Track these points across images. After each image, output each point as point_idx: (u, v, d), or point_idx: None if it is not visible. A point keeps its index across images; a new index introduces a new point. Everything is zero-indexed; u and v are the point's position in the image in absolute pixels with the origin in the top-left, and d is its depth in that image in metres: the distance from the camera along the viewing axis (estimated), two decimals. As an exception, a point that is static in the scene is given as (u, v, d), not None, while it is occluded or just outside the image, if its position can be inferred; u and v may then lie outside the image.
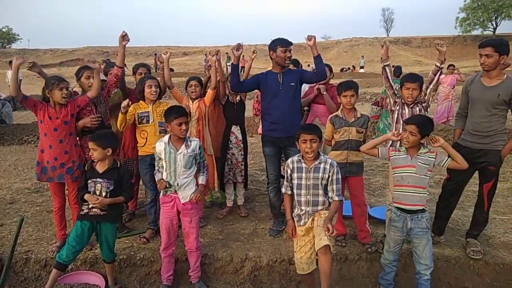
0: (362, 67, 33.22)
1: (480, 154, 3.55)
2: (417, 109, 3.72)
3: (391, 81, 3.93)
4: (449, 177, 3.80)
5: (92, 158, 3.33)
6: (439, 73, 3.81)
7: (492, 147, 3.51)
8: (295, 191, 3.17)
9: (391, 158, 3.32)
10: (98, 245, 3.51)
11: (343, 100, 3.76)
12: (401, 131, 3.65)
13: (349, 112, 3.78)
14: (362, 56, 37.69)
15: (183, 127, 3.27)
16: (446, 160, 3.20)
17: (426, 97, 3.79)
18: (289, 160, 3.24)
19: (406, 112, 3.73)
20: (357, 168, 3.82)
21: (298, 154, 3.22)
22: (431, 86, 3.80)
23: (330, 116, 3.87)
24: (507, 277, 3.56)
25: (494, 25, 50.29)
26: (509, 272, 3.56)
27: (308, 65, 32.83)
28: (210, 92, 4.29)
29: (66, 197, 3.85)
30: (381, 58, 3.97)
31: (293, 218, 4.07)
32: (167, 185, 3.34)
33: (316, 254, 3.07)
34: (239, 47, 3.94)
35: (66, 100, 3.57)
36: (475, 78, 3.64)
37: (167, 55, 4.36)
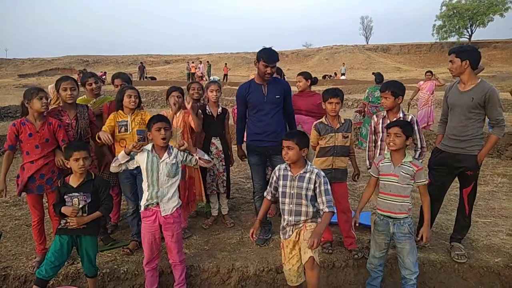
0: (343, 74, 33.67)
1: (457, 158, 3.63)
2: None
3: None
4: (430, 182, 3.85)
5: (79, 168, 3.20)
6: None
7: (469, 151, 3.58)
8: (280, 199, 3.14)
9: (379, 167, 3.35)
10: (80, 259, 3.41)
11: (328, 107, 3.77)
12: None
13: (334, 118, 3.80)
14: (343, 63, 38.26)
15: (162, 132, 3.22)
16: (422, 182, 3.25)
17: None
18: (277, 167, 3.21)
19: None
20: (342, 174, 3.84)
21: (286, 163, 3.20)
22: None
23: (315, 123, 3.88)
24: (492, 280, 3.61)
25: (470, 32, 51.68)
26: (493, 275, 3.61)
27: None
28: (193, 126, 4.19)
29: (45, 210, 3.74)
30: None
31: (264, 221, 4.03)
32: (140, 146, 3.27)
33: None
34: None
35: (46, 109, 3.49)
36: (453, 85, 3.76)
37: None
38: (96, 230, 3.38)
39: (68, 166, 3.22)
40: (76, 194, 3.18)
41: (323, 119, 3.86)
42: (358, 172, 4.08)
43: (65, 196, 3.18)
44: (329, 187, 3.04)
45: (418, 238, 3.29)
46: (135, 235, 3.97)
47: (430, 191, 3.85)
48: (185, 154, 3.44)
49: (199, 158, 3.47)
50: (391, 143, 3.24)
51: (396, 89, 3.67)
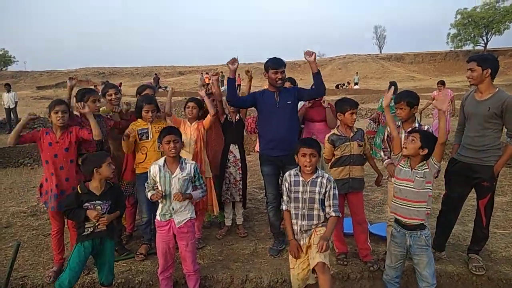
0: (356, 84, 33.53)
1: (474, 169, 3.57)
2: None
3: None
4: (446, 193, 3.81)
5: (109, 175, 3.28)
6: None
7: (485, 162, 3.52)
8: (292, 204, 3.17)
9: (397, 167, 3.29)
10: (95, 269, 3.45)
11: (348, 118, 3.75)
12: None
13: (347, 128, 3.80)
14: (356, 73, 38.14)
15: (171, 145, 3.26)
16: (433, 162, 3.13)
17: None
18: (287, 174, 3.24)
19: (403, 136, 3.67)
20: (359, 184, 3.81)
21: (295, 168, 3.21)
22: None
23: (328, 135, 3.87)
24: (511, 293, 3.52)
25: (485, 41, 51.12)
26: (512, 288, 3.52)
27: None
28: (209, 118, 4.26)
29: (65, 221, 3.78)
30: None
31: (278, 232, 4.05)
32: (162, 195, 3.29)
33: (315, 272, 3.03)
34: (234, 61, 3.95)
35: (63, 123, 3.56)
36: (469, 94, 3.70)
37: (172, 90, 4.55)
38: (114, 234, 3.46)
39: (97, 174, 3.22)
40: (99, 202, 3.22)
41: (335, 130, 3.85)
42: (380, 174, 4.01)
43: (87, 204, 3.19)
44: (337, 192, 3.12)
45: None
46: (146, 240, 4.05)
47: (447, 202, 3.81)
48: (198, 176, 3.46)
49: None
50: (405, 146, 3.20)
51: (411, 99, 3.62)
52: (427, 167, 3.14)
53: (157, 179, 3.32)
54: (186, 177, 3.33)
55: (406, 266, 3.46)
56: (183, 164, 3.37)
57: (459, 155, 3.69)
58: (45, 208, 4.05)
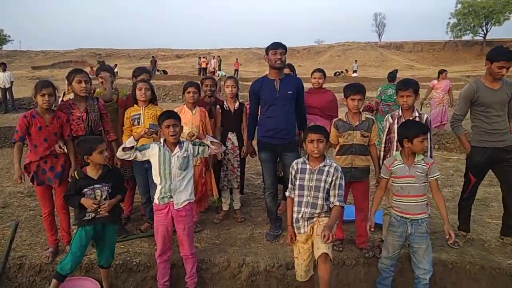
0: (355, 71, 33.40)
1: (508, 150, 3.80)
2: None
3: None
4: (475, 181, 3.99)
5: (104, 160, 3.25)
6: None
7: (509, 143, 3.80)
8: (296, 192, 3.17)
9: (391, 169, 3.29)
10: (94, 250, 3.47)
11: (350, 104, 3.68)
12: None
13: (354, 115, 3.73)
14: (356, 60, 37.92)
15: (171, 129, 3.25)
16: (435, 176, 3.22)
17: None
18: (295, 162, 3.24)
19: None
20: (362, 173, 3.77)
21: (303, 157, 3.22)
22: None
23: (334, 120, 3.86)
24: (504, 282, 3.58)
25: (485, 31, 50.92)
26: (505, 277, 3.58)
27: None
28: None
29: (54, 203, 3.77)
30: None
31: (275, 217, 4.08)
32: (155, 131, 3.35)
33: (316, 262, 3.06)
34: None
35: (48, 106, 3.47)
36: (478, 87, 3.81)
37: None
38: (118, 218, 3.47)
39: (88, 161, 3.23)
40: (98, 185, 3.22)
41: (342, 116, 3.82)
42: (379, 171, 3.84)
43: (86, 189, 3.20)
44: (343, 182, 3.11)
45: (447, 237, 3.21)
46: (149, 219, 4.10)
47: (474, 189, 4.03)
48: (197, 147, 3.45)
49: (211, 142, 3.49)
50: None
51: (416, 86, 3.64)
52: (427, 166, 3.18)
53: (156, 158, 3.30)
54: (185, 155, 3.33)
55: (401, 254, 3.50)
56: (182, 143, 3.38)
57: (485, 142, 3.84)
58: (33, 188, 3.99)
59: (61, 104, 3.75)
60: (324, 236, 2.88)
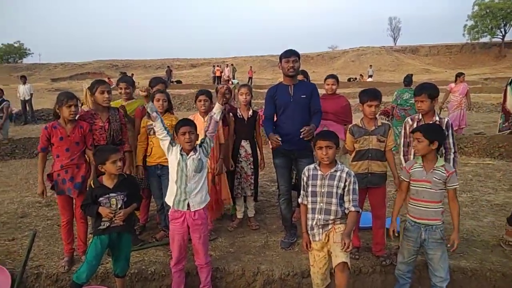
0: (370, 76, 33.17)
1: None
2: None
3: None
4: None
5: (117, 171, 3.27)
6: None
7: None
8: (309, 198, 3.15)
9: (410, 172, 3.25)
10: (110, 259, 3.50)
11: (366, 110, 3.65)
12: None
13: (370, 121, 3.69)
14: (370, 65, 37.63)
15: (187, 136, 3.27)
16: (453, 186, 3.13)
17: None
18: (306, 168, 3.23)
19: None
20: (379, 179, 3.71)
21: (315, 162, 3.21)
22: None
23: (350, 126, 3.83)
24: (526, 290, 3.46)
25: (503, 32, 50.01)
26: (528, 285, 3.47)
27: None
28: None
29: (74, 212, 3.83)
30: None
31: (290, 225, 4.04)
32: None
33: (333, 270, 3.02)
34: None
35: (74, 116, 3.59)
36: None
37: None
38: (132, 227, 3.49)
39: (102, 170, 3.28)
40: (114, 194, 3.25)
41: (358, 121, 3.78)
42: (397, 177, 3.70)
43: (101, 198, 3.23)
44: (357, 187, 3.07)
45: (449, 245, 3.18)
46: (164, 227, 4.12)
47: None
48: (203, 146, 3.43)
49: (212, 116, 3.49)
50: (415, 149, 3.19)
51: (432, 91, 3.55)
52: (446, 174, 3.10)
53: (176, 161, 3.31)
54: (199, 157, 3.36)
55: (418, 261, 3.43)
56: (196, 146, 3.40)
57: None
58: (55, 197, 4.09)
59: (83, 114, 3.82)
60: (345, 244, 2.85)
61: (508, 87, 8.79)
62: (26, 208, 5.35)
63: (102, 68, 47.98)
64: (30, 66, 51.16)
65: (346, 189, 3.04)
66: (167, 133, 3.36)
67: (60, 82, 35.27)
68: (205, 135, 3.49)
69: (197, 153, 3.36)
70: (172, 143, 3.36)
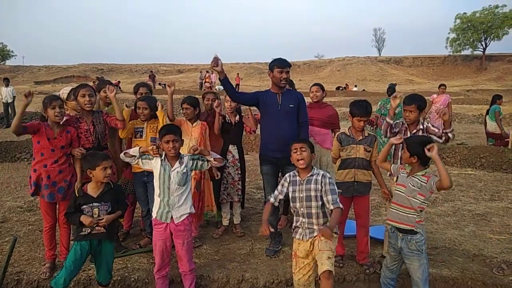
0: (356, 85, 33.64)
1: None
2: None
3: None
4: None
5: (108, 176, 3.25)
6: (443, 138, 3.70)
7: None
8: (291, 204, 3.23)
9: (398, 174, 3.33)
10: (92, 265, 3.44)
11: (355, 123, 3.74)
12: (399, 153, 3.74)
13: (357, 131, 3.79)
14: (355, 85, 37.85)
15: (170, 145, 3.25)
16: (435, 181, 3.09)
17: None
18: (287, 175, 3.29)
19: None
20: (364, 188, 3.79)
21: (295, 169, 3.26)
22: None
23: (338, 133, 3.90)
24: (506, 298, 3.53)
25: (484, 46, 51.28)
26: (507, 293, 3.54)
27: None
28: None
29: (57, 217, 3.77)
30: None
31: (275, 233, 4.03)
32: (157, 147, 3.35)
33: (318, 278, 3.04)
34: (216, 61, 3.78)
35: (60, 119, 3.56)
36: None
37: (171, 88, 4.27)
38: (114, 235, 3.45)
39: (91, 175, 3.24)
40: (97, 204, 3.21)
41: (346, 130, 3.85)
42: (385, 187, 3.84)
43: (85, 206, 3.19)
44: (335, 187, 3.14)
45: (429, 147, 3.07)
46: (149, 233, 4.07)
47: None
48: (196, 161, 3.44)
49: (214, 159, 3.49)
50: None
51: (422, 102, 3.66)
52: (426, 180, 3.12)
53: (157, 173, 3.31)
54: (184, 171, 3.33)
55: (402, 270, 3.47)
56: (182, 158, 3.38)
57: None
58: (37, 201, 4.01)
59: (68, 119, 3.78)
60: (326, 233, 2.88)
61: (487, 116, 9.10)
62: (7, 213, 5.23)
63: (87, 71, 47.40)
64: (13, 68, 50.21)
65: (323, 189, 3.09)
66: (147, 159, 3.36)
67: (43, 85, 34.67)
68: (207, 160, 3.47)
69: (182, 166, 3.33)
70: (148, 156, 3.36)
